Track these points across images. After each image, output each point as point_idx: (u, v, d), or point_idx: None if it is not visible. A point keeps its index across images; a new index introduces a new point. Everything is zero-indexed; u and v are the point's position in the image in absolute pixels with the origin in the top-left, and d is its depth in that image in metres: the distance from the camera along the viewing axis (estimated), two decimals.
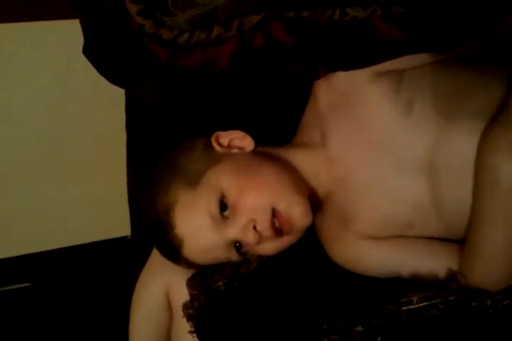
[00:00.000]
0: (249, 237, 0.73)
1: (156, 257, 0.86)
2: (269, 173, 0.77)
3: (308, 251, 0.81)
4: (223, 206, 0.74)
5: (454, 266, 0.74)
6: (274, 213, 0.74)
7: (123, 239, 1.34)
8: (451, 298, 0.70)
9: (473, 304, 0.69)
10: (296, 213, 0.75)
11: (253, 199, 0.74)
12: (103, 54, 0.71)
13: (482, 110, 0.70)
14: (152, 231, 0.81)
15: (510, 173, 0.66)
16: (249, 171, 0.77)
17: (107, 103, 1.17)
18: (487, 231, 0.69)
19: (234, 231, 0.75)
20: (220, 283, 0.80)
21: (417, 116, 0.73)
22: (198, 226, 0.75)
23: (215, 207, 0.74)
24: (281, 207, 0.74)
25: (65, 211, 1.32)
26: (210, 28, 0.66)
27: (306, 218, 0.76)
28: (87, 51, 0.72)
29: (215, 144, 0.80)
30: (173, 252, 0.78)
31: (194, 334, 0.80)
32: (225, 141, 0.81)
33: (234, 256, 0.78)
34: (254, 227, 0.73)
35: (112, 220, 1.30)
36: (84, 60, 0.73)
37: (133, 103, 0.93)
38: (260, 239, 0.74)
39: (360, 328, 0.68)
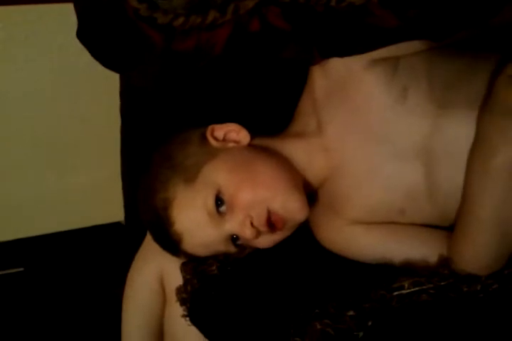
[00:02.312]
0: (247, 233, 0.74)
1: (149, 242, 0.86)
2: (265, 169, 0.77)
3: (301, 236, 0.81)
4: (219, 201, 0.75)
5: (444, 252, 0.75)
6: (269, 209, 0.75)
7: (116, 224, 1.34)
8: (442, 284, 0.70)
9: (464, 289, 0.69)
10: (292, 209, 0.76)
11: (249, 195, 0.74)
12: (97, 37, 0.71)
13: (477, 97, 0.71)
14: (152, 227, 0.81)
15: (505, 153, 0.67)
16: (245, 167, 0.77)
17: (101, 88, 1.16)
18: (475, 210, 0.70)
19: (231, 226, 0.75)
20: (214, 267, 0.80)
21: (412, 102, 0.74)
22: (196, 223, 0.75)
23: (211, 204, 0.74)
24: (277, 203, 0.75)
25: (58, 196, 1.31)
26: (206, 13, 0.65)
27: (301, 213, 0.77)
28: (81, 34, 0.71)
29: (210, 138, 0.79)
30: (173, 246, 0.79)
31: (187, 318, 0.81)
32: (220, 135, 0.80)
33: (232, 249, 0.79)
34: (251, 223, 0.74)
35: (105, 205, 1.30)
36: (78, 43, 0.72)
37: (128, 88, 0.92)
38: (257, 234, 0.75)
39: (351, 312, 0.69)
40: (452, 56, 0.74)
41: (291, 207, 0.75)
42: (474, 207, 0.70)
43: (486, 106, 0.69)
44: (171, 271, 0.86)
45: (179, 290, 0.83)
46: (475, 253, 0.71)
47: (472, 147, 0.71)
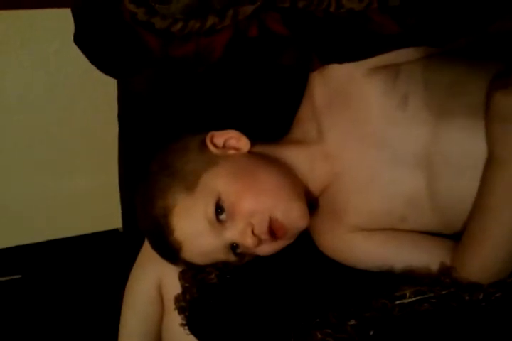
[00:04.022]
0: (248, 241, 0.73)
1: (147, 249, 0.86)
2: (266, 176, 0.76)
3: (301, 244, 0.81)
4: (220, 209, 0.74)
5: (446, 261, 0.74)
6: (271, 217, 0.74)
7: (114, 231, 1.34)
8: (443, 292, 0.70)
9: (466, 298, 0.69)
10: (293, 217, 0.75)
11: (250, 203, 0.74)
12: (94, 42, 0.70)
13: (477, 105, 0.70)
14: (150, 235, 0.81)
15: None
16: (246, 174, 0.76)
17: (99, 94, 1.16)
18: (489, 225, 0.69)
19: (232, 234, 0.75)
20: (213, 276, 0.79)
21: (413, 110, 0.73)
22: (196, 231, 0.75)
23: (211, 211, 0.74)
24: (278, 211, 0.74)
25: (56, 203, 1.31)
26: (205, 18, 0.65)
27: (302, 222, 0.76)
28: (78, 39, 0.71)
29: (210, 145, 0.78)
30: (172, 255, 0.78)
31: (186, 327, 0.80)
32: (219, 142, 0.80)
33: (232, 258, 0.78)
34: (252, 231, 0.73)
35: (103, 213, 1.30)
36: (75, 48, 0.72)
37: (125, 93, 0.92)
38: (259, 242, 0.74)
39: (353, 322, 0.69)
40: (452, 63, 0.74)
41: (292, 215, 0.75)
42: (488, 222, 0.69)
43: (486, 115, 0.69)
44: (169, 279, 0.85)
45: (177, 299, 0.82)
46: (483, 265, 0.71)
47: (488, 157, 0.70)
